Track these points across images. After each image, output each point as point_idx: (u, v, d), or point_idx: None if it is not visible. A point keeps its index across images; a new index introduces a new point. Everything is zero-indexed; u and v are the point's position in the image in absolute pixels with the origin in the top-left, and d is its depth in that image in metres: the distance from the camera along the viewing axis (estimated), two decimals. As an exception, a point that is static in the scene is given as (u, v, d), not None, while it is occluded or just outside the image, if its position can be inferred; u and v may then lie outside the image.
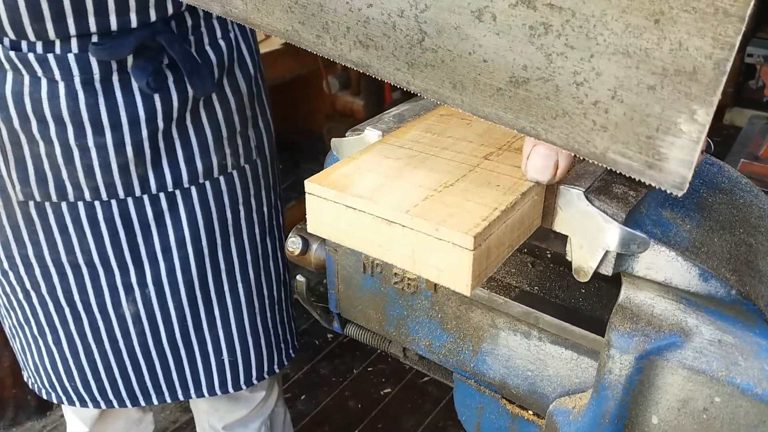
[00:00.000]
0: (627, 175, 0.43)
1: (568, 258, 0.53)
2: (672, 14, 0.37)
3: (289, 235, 0.77)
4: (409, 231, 0.46)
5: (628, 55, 0.39)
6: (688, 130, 0.39)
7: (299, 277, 0.76)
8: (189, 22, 1.00)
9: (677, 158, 0.40)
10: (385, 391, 2.00)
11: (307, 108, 2.90)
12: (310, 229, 0.50)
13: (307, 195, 0.49)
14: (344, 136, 0.61)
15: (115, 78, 0.96)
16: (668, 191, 0.42)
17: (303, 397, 2.00)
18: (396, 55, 0.48)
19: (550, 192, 0.52)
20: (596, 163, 0.44)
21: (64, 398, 1.20)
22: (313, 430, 1.89)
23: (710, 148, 0.64)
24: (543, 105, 0.43)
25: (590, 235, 0.51)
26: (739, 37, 0.35)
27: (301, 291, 0.77)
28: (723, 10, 0.35)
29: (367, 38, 0.49)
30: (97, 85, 0.96)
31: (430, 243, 0.45)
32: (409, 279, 0.68)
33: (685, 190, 0.41)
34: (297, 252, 0.77)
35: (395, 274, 0.68)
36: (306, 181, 0.49)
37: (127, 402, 1.19)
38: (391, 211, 0.46)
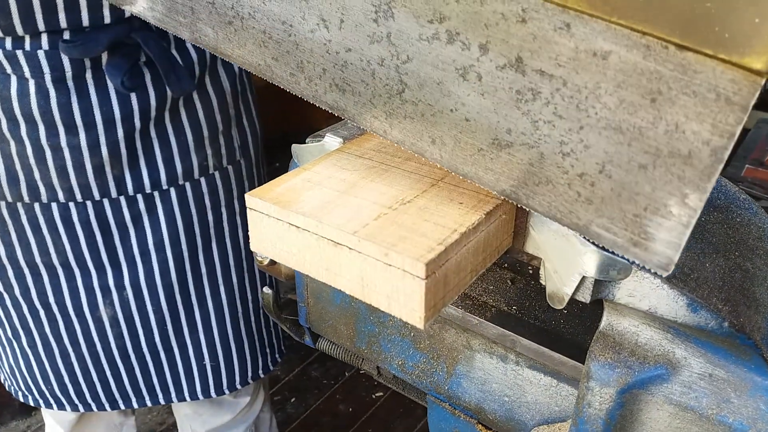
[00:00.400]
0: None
1: (542, 282, 0.48)
2: (670, 95, 0.35)
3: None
4: (357, 255, 0.41)
5: (620, 132, 0.37)
6: (679, 214, 0.37)
7: (266, 289, 0.71)
8: None
9: (665, 240, 0.38)
10: (377, 394, 1.96)
11: (308, 106, 2.86)
12: (252, 247, 0.46)
13: (248, 210, 0.44)
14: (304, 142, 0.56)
15: (88, 76, 0.92)
16: (652, 270, 0.39)
17: (293, 399, 1.96)
18: (374, 102, 0.46)
19: (521, 210, 0.47)
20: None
21: (41, 401, 1.17)
22: (302, 434, 1.86)
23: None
24: (526, 170, 0.42)
25: (565, 259, 0.46)
26: (740, 127, 0.34)
27: (268, 303, 0.72)
28: (725, 97, 0.33)
29: (344, 83, 0.47)
30: (70, 83, 0.92)
31: (379, 269, 0.40)
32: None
33: (670, 272, 0.39)
34: (266, 262, 0.72)
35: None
36: (246, 195, 0.44)
37: (107, 405, 1.17)
38: (337, 231, 0.41)
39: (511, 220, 0.47)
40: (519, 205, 0.45)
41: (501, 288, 0.63)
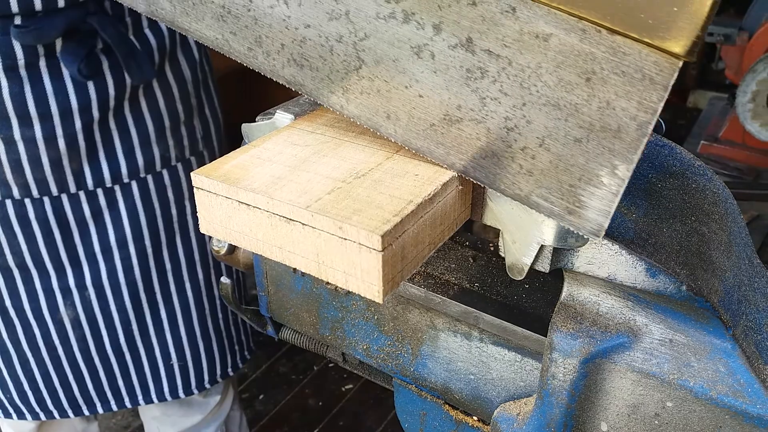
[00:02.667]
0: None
1: (501, 254, 0.47)
2: (603, 75, 0.38)
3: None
4: (311, 230, 0.40)
5: (558, 108, 0.40)
6: (609, 183, 0.40)
7: (224, 279, 0.70)
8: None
9: (596, 207, 0.41)
10: (347, 387, 1.94)
11: (265, 95, 2.82)
12: (202, 229, 0.44)
13: (195, 190, 0.43)
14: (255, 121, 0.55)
15: (42, 64, 0.88)
16: (585, 236, 0.43)
17: (261, 396, 1.93)
18: (331, 78, 0.48)
19: (478, 181, 0.46)
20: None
21: None
22: (272, 430, 1.83)
23: (661, 129, 0.59)
24: (474, 145, 0.44)
25: (523, 229, 0.45)
26: (662, 104, 0.37)
27: (227, 294, 0.70)
28: (649, 77, 0.37)
29: (302, 58, 0.49)
30: (22, 72, 0.88)
31: (334, 244, 0.39)
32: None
33: (601, 237, 0.42)
34: (223, 251, 0.70)
35: (325, 273, 0.63)
36: (192, 174, 0.43)
37: (69, 412, 1.12)
38: (289, 207, 0.40)
39: (469, 192, 0.46)
40: (467, 178, 0.46)
41: (463, 266, 0.62)
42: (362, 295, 0.40)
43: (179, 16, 0.52)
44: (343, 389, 1.93)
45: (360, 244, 0.38)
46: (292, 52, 0.48)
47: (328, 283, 0.64)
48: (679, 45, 0.36)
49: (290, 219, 0.40)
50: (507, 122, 0.42)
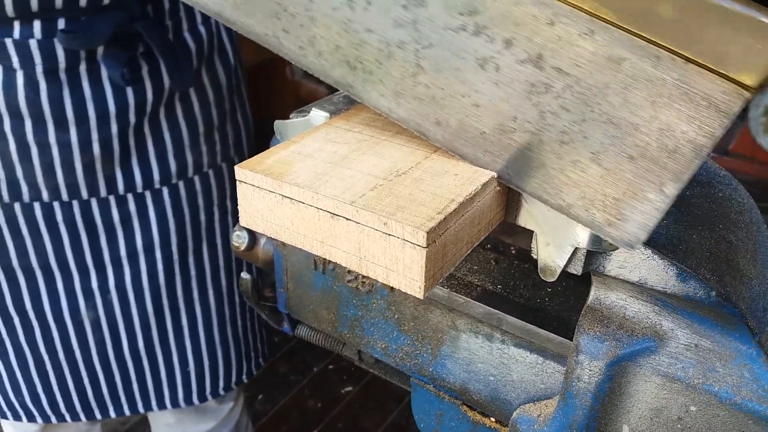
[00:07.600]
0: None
1: (534, 255, 0.48)
2: (669, 100, 0.38)
3: (235, 228, 0.71)
4: (354, 225, 0.39)
5: (618, 127, 0.40)
6: (654, 199, 0.40)
7: (244, 275, 0.70)
8: (166, 6, 0.89)
9: (637, 221, 0.41)
10: (347, 389, 1.92)
11: (272, 96, 2.83)
12: (242, 222, 0.44)
13: (237, 183, 0.43)
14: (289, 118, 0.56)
15: (82, 68, 0.86)
16: (619, 247, 0.43)
17: (260, 396, 1.90)
18: (384, 82, 0.47)
19: (514, 183, 0.47)
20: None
21: (9, 414, 1.08)
22: (271, 430, 1.82)
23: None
24: (523, 154, 0.43)
25: (558, 231, 0.45)
26: (722, 131, 0.38)
27: (247, 290, 0.70)
28: (715, 105, 0.38)
29: (357, 61, 0.47)
30: (62, 75, 0.85)
31: (377, 239, 0.39)
32: (363, 277, 0.62)
33: (635, 249, 0.42)
34: (243, 247, 0.71)
35: (349, 271, 0.63)
36: (236, 167, 0.42)
37: (81, 415, 1.09)
38: (334, 202, 0.39)
39: (504, 193, 0.46)
40: (510, 186, 0.45)
41: (485, 268, 0.63)
42: (403, 291, 0.40)
43: (229, 9, 0.51)
44: (343, 391, 1.92)
45: (404, 240, 0.38)
46: (347, 55, 0.47)
47: (349, 281, 0.65)
48: (752, 78, 0.36)
49: (334, 214, 0.40)
50: (562, 136, 0.41)
